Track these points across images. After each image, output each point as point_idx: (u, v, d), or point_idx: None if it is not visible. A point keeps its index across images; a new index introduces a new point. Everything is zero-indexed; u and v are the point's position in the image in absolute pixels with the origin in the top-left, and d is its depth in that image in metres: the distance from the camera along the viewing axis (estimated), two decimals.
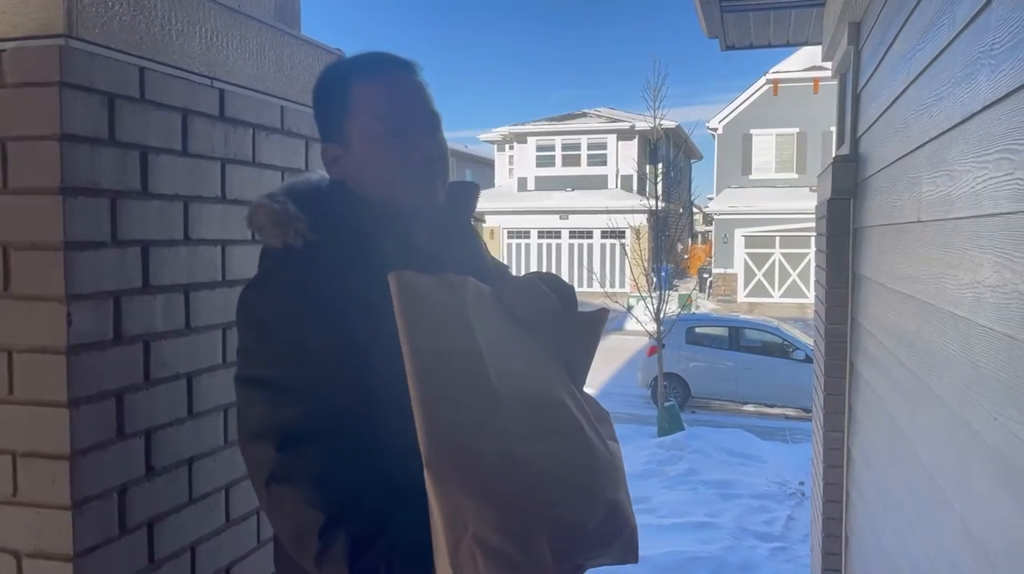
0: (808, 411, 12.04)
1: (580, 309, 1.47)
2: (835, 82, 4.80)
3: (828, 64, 4.96)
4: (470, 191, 1.53)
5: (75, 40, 1.39)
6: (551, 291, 1.39)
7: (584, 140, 29.62)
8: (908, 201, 2.33)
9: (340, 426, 1.20)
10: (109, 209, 1.46)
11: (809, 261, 25.77)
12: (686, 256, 34.31)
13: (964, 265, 1.64)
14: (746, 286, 27.35)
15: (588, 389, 1.46)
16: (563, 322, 1.39)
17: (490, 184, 31.67)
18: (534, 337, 1.33)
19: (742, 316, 16.71)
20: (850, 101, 3.89)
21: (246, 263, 1.81)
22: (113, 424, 1.48)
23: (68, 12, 1.38)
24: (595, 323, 1.45)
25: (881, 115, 2.95)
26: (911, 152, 2.29)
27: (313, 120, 2.07)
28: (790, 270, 26.77)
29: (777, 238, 26.70)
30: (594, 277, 22.81)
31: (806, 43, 5.45)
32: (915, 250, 2.20)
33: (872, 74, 3.26)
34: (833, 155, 4.24)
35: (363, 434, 1.21)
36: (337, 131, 1.40)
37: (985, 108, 1.51)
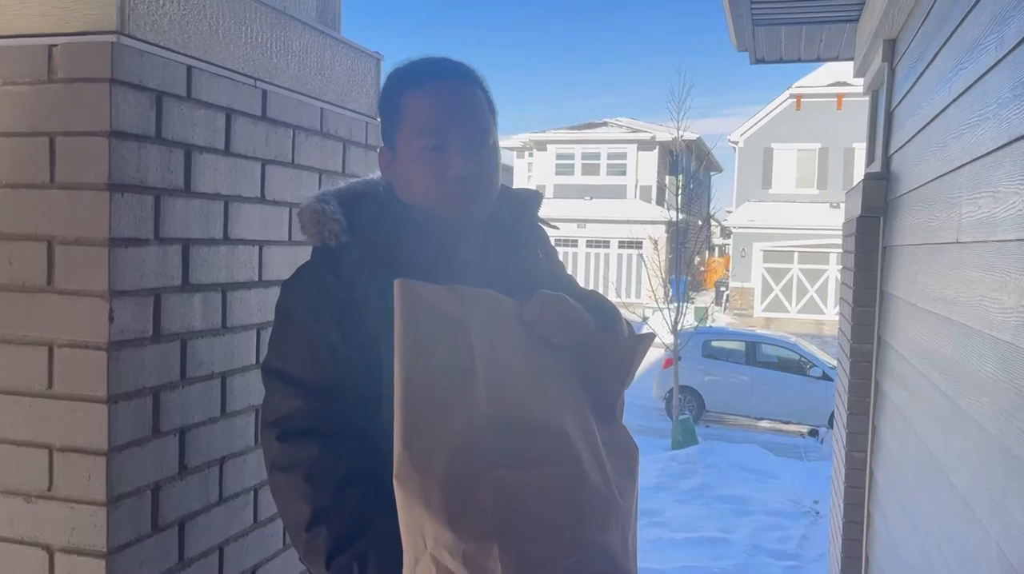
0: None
1: (626, 330, 1.41)
2: (859, 99, 4.77)
3: (859, 80, 4.92)
4: (524, 199, 1.50)
5: (126, 37, 1.40)
6: (590, 312, 1.34)
7: (604, 150, 29.59)
8: (946, 221, 2.30)
9: (343, 423, 1.25)
10: (153, 206, 1.46)
11: (827, 278, 25.61)
12: (703, 269, 34.19)
13: (1009, 288, 1.62)
14: (763, 301, 27.20)
15: None
16: (595, 345, 1.32)
17: None
18: (553, 357, 1.27)
19: (759, 331, 16.58)
20: (883, 119, 3.85)
21: (282, 264, 1.81)
22: (150, 421, 1.48)
23: (120, 9, 1.39)
24: (632, 349, 1.37)
25: (917, 133, 2.92)
26: (950, 172, 2.26)
27: (351, 123, 2.08)
28: (808, 286, 26.60)
29: (796, 253, 26.55)
30: (610, 286, 22.74)
31: (837, 59, 5.41)
32: (952, 271, 2.17)
33: (908, 92, 3.23)
34: (861, 172, 4.21)
35: (366, 433, 1.25)
36: (389, 137, 1.41)
37: None
